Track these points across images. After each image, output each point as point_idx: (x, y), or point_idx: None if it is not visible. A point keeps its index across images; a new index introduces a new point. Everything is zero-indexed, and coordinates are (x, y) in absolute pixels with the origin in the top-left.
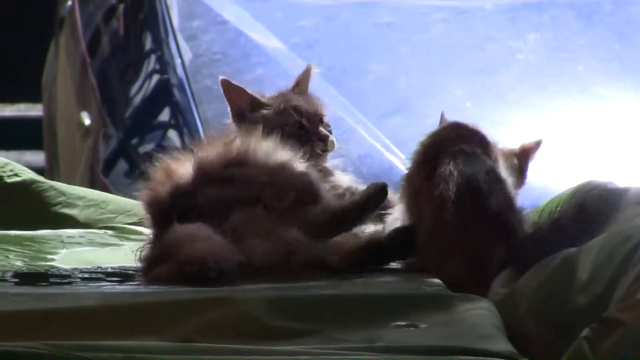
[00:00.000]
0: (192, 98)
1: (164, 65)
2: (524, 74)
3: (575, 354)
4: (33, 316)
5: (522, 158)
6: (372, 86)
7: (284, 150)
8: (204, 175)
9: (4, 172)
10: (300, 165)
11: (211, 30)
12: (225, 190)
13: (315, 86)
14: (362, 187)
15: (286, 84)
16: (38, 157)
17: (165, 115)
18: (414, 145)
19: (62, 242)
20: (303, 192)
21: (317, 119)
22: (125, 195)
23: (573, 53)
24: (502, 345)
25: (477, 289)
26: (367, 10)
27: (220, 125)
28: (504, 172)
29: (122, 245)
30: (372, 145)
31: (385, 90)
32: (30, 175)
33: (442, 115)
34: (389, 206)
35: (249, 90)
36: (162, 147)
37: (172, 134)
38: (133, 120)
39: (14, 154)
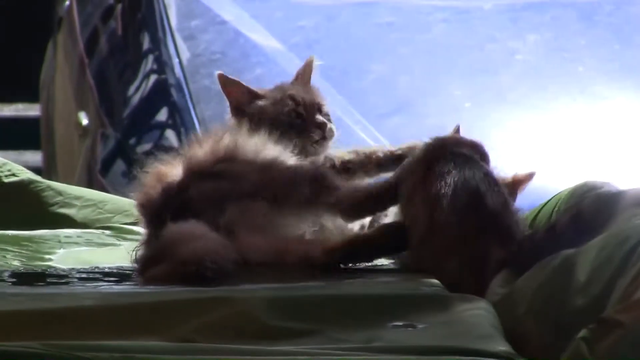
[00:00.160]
0: (190, 98)
1: (162, 65)
2: (524, 74)
3: (573, 355)
4: (31, 316)
5: (513, 188)
6: (372, 86)
7: (273, 145)
8: (194, 172)
9: (1, 172)
10: (290, 158)
11: (210, 30)
12: (216, 184)
13: (315, 86)
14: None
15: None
16: (37, 157)
17: (163, 115)
18: None
19: (60, 242)
20: (314, 184)
21: (314, 107)
22: (122, 195)
23: (573, 53)
24: (501, 345)
25: (475, 289)
26: (367, 10)
27: (220, 123)
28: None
29: (120, 245)
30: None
31: (385, 90)
32: (28, 175)
33: (457, 127)
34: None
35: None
36: (160, 147)
37: (170, 134)
38: (131, 120)
39: (12, 153)
